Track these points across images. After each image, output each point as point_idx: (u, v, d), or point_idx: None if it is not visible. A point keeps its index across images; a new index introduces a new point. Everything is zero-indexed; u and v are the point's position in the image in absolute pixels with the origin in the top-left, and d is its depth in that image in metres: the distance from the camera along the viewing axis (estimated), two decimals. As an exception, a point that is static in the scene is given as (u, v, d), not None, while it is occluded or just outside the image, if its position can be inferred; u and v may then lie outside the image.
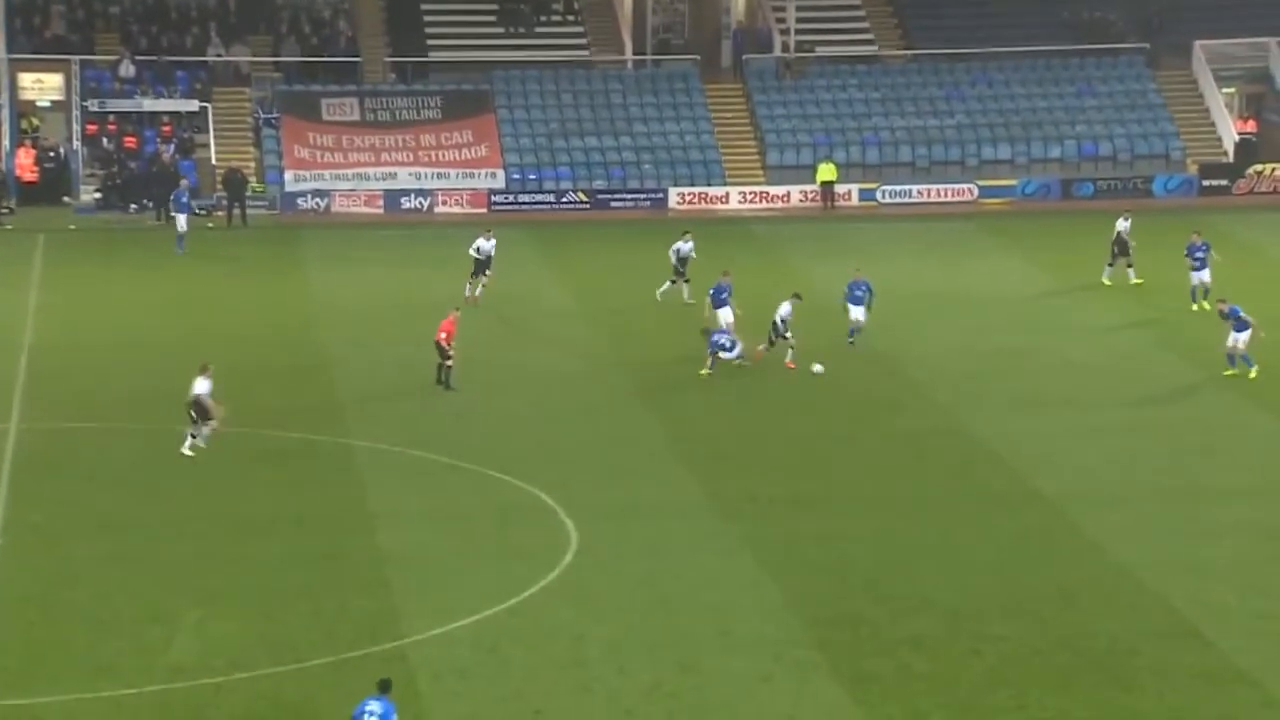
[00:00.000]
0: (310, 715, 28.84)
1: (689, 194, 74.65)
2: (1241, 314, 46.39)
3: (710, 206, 74.40)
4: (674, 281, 56.14)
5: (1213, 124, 78.24)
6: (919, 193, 74.96)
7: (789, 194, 75.10)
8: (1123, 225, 58.05)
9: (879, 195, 74.93)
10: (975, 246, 66.45)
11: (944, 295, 57.43)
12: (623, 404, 46.01)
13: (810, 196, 74.92)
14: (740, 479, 40.13)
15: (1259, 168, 75.37)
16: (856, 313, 49.86)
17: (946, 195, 74.89)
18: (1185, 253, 54.79)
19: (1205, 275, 54.16)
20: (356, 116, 74.95)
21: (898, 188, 75.03)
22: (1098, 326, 53.45)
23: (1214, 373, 47.69)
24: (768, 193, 75.23)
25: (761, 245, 67.19)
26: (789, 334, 47.59)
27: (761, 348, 47.81)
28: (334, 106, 75.21)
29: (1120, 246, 57.75)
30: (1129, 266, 57.28)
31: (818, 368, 46.91)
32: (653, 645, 31.52)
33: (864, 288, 50.05)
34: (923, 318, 54.34)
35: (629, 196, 74.61)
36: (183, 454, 40.56)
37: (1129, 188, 74.88)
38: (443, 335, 46.38)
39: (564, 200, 74.07)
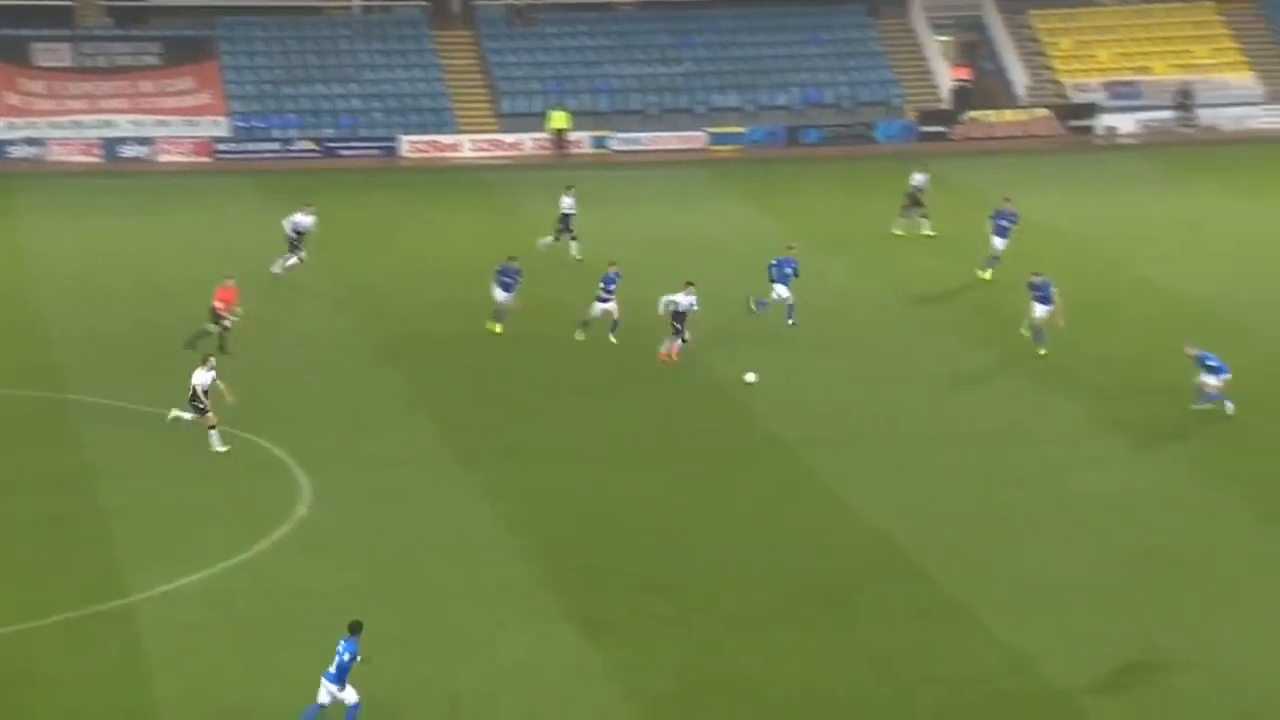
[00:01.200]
0: (36, 676, 27.89)
1: (420, 142, 73.81)
2: (1052, 290, 44.25)
3: (442, 155, 73.66)
4: (557, 237, 54.56)
5: (930, 72, 79.75)
6: (650, 140, 75.12)
7: (521, 142, 74.70)
8: (919, 179, 57.48)
9: (611, 143, 74.90)
10: (707, 193, 66.86)
11: (678, 242, 57.60)
12: (362, 359, 45.24)
13: (542, 144, 74.59)
14: (484, 431, 39.78)
15: (974, 114, 77.02)
16: (781, 290, 46.90)
17: (677, 142, 75.15)
18: (991, 216, 52.35)
19: (1000, 243, 51.61)
20: (70, 62, 72.54)
21: (629, 135, 75.10)
22: (829, 271, 54.08)
23: (951, 317, 48.51)
24: (500, 140, 74.72)
25: (495, 193, 66.72)
26: (685, 330, 43.97)
27: (675, 345, 44.01)
28: (46, 52, 72.70)
29: (912, 200, 57.09)
30: (923, 218, 56.98)
31: (750, 377, 42.32)
32: (389, 596, 31.11)
33: (792, 266, 47.26)
34: (658, 265, 54.38)
35: (359, 145, 73.51)
36: (167, 418, 38.25)
37: (853, 134, 76.01)
38: (219, 304, 44.80)
39: (292, 149, 72.67)
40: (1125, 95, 78.36)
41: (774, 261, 47.58)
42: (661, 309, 43.97)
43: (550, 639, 29.69)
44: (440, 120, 74.94)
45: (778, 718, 27.15)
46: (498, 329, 46.26)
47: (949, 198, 62.09)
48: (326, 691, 26.08)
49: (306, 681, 27.09)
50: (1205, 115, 77.19)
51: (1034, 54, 79.91)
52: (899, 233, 57.14)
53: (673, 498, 35.99)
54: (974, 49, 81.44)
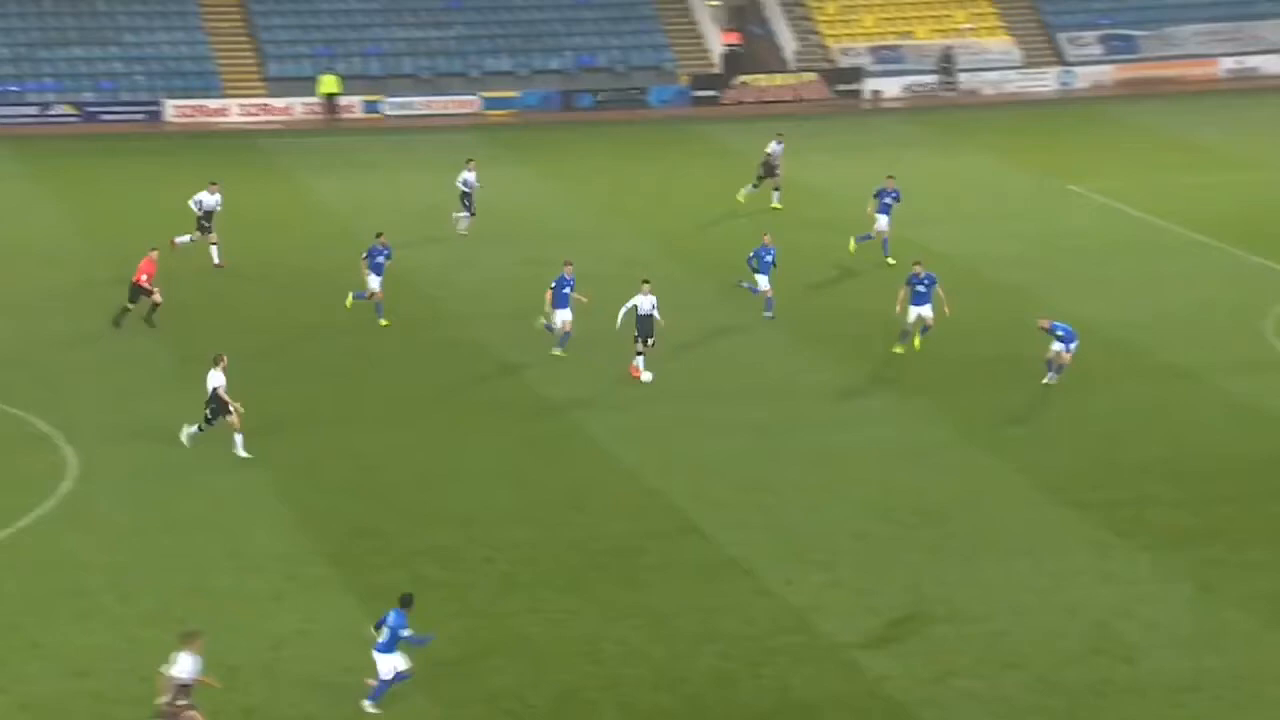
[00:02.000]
0: None
1: (186, 106, 72.25)
2: (936, 285, 41.56)
3: (209, 119, 72.22)
4: (461, 214, 53.05)
5: (701, 36, 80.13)
6: (423, 105, 74.42)
7: (291, 106, 73.51)
8: (774, 148, 56.57)
9: (382, 107, 74.07)
10: (481, 158, 66.33)
11: (452, 208, 57.18)
12: (133, 331, 44.11)
13: (313, 109, 73.51)
14: (251, 401, 39.04)
15: (744, 78, 77.59)
16: (762, 282, 44.94)
17: (451, 107, 74.56)
18: (874, 194, 50.42)
19: (884, 221, 49.85)
20: None
21: (401, 99, 74.33)
22: (600, 234, 54.11)
23: (719, 279, 48.79)
24: (269, 105, 73.46)
25: (265, 160, 65.59)
26: (653, 339, 40.47)
27: (639, 362, 40.36)
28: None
29: (767, 169, 56.25)
30: (775, 189, 56.16)
31: (647, 376, 40.00)
32: (159, 569, 30.50)
33: (770, 254, 45.18)
34: (432, 231, 53.96)
35: (121, 109, 71.70)
36: (180, 440, 35.65)
37: (626, 98, 76.08)
38: (143, 276, 43.43)
39: (50, 113, 70.65)
40: (890, 59, 79.54)
41: (753, 252, 45.24)
42: (621, 319, 40.44)
43: (327, 608, 29.33)
44: (206, 84, 73.45)
45: (558, 680, 27.15)
46: (384, 322, 43.90)
47: (720, 161, 62.47)
48: (388, 666, 25.88)
49: (69, 658, 26.43)
50: (966, 79, 78.65)
51: (801, 19, 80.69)
52: (741, 199, 56.15)
53: (444, 462, 35.76)
54: (743, 14, 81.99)
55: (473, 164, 53.50)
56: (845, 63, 79.10)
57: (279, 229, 54.30)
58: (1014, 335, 42.73)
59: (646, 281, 40.90)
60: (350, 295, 44.51)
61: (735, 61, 79.00)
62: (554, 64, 77.19)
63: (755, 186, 56.06)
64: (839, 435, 37.10)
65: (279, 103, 73.49)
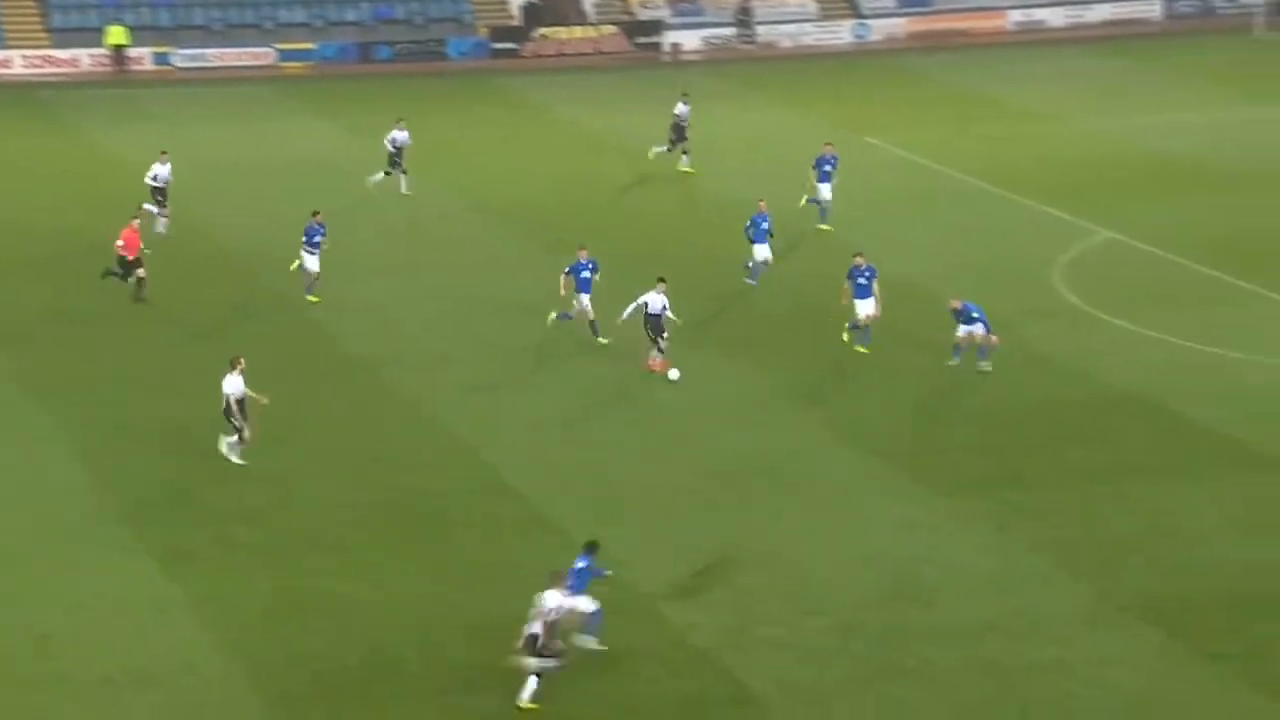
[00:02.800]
0: None
1: (-31, 58, 70.42)
2: (871, 283, 39.28)
3: (-9, 72, 70.47)
4: (388, 172, 51.89)
5: (501, -12, 79.96)
6: (216, 56, 73.30)
7: (78, 58, 71.95)
8: (681, 109, 55.48)
9: (173, 59, 72.81)
10: (277, 111, 65.68)
11: (249, 162, 56.52)
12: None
13: (100, 60, 72.01)
14: (57, 363, 38.44)
15: (544, 31, 77.52)
16: (761, 251, 43.79)
17: (244, 59, 73.53)
18: (813, 165, 49.56)
19: (826, 190, 49.10)
20: None
21: (193, 51, 73.11)
22: (399, 189, 53.83)
23: (526, 232, 48.81)
24: (53, 56, 71.81)
25: (50, 113, 64.18)
26: (666, 334, 38.24)
27: (657, 358, 38.22)
28: None
29: (677, 131, 55.12)
30: (684, 153, 55.26)
31: (674, 373, 37.36)
32: (-43, 536, 29.94)
33: (767, 221, 43.99)
34: (229, 186, 53.30)
35: (-102, 61, 69.72)
36: (228, 459, 33.10)
37: (425, 51, 75.64)
38: (120, 244, 41.84)
39: None
40: (689, 12, 79.97)
41: (749, 221, 44.00)
42: (628, 314, 38.30)
43: (130, 572, 29.06)
44: (-12, 35, 71.59)
45: (369, 638, 27.21)
46: (314, 299, 42.60)
47: (522, 115, 62.45)
48: (587, 605, 26.09)
49: None
50: (764, 32, 79.37)
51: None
52: (650, 156, 55.30)
53: (254, 423, 35.41)
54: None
55: (402, 123, 52.44)
56: (645, 16, 79.39)
57: (60, 184, 53.20)
58: (820, 289, 43.42)
59: (662, 280, 38.22)
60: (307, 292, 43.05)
61: (535, 14, 78.84)
62: (350, 16, 76.46)
63: (669, 149, 55.17)
64: (651, 392, 37.42)
65: (64, 54, 71.92)
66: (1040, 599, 28.44)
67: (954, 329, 38.17)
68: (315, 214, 43.23)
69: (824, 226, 48.92)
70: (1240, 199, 51.92)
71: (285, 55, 74.02)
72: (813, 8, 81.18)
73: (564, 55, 76.67)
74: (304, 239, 42.82)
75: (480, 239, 48.90)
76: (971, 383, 37.60)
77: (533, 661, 25.28)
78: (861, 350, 39.12)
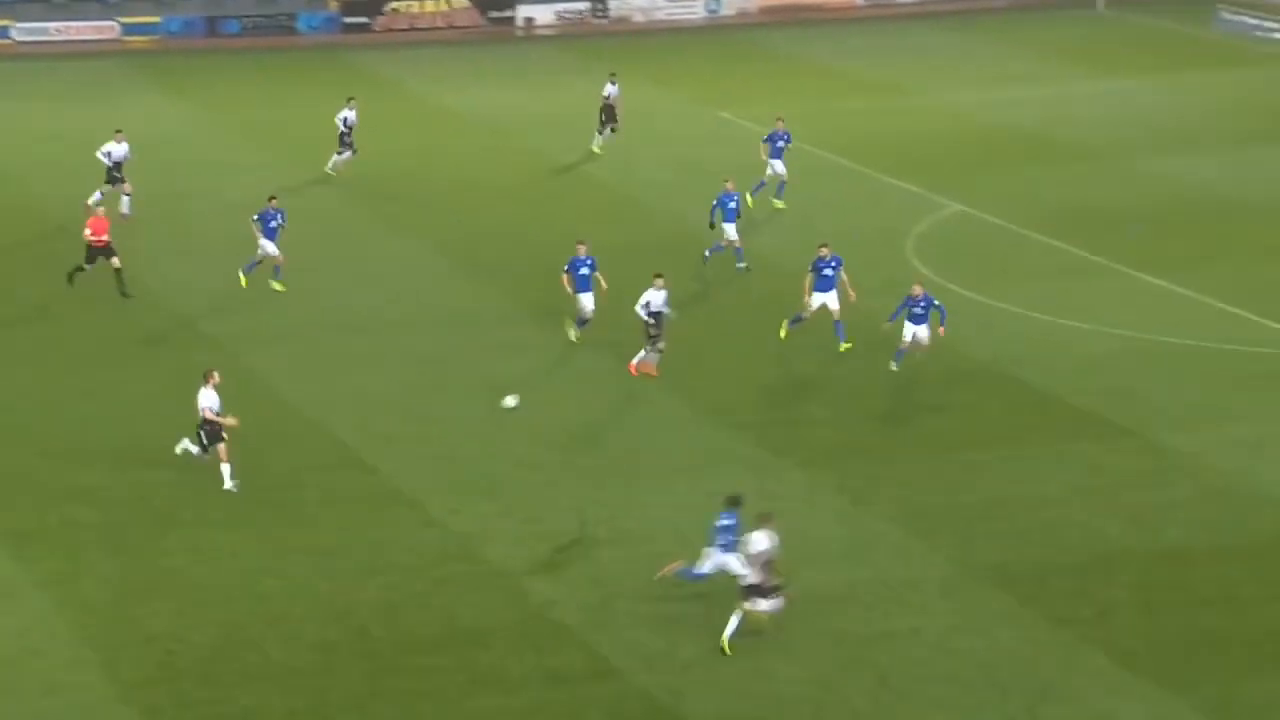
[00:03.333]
0: None
1: None
2: (841, 269, 37.93)
3: None
4: (340, 153, 50.64)
5: (352, -38, 79.05)
6: (57, 30, 71.78)
7: (-87, 32, 70.23)
8: (610, 89, 54.35)
9: (13, 33, 71.21)
10: (122, 86, 64.49)
11: (92, 138, 55.41)
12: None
13: (-61, 35, 70.37)
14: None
15: (395, 5, 76.79)
16: (730, 231, 42.74)
17: (87, 33, 72.09)
18: (764, 139, 48.65)
19: (779, 166, 48.26)
20: None
21: (33, 25, 71.54)
22: (250, 165, 53.14)
23: (387, 214, 48.36)
24: (-109, 31, 70.09)
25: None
26: (662, 337, 36.60)
27: (652, 359, 36.64)
28: None
29: (608, 112, 53.89)
30: (612, 131, 53.93)
31: (510, 401, 32.45)
32: None
33: (734, 200, 42.97)
34: (70, 161, 52.25)
35: None
36: (228, 490, 31.00)
37: (274, 25, 74.63)
38: (89, 231, 40.01)
39: None
40: (542, -14, 79.60)
41: (715, 201, 43.02)
42: (642, 313, 36.50)
43: (-26, 555, 28.40)
44: None
45: (220, 619, 26.82)
46: (279, 286, 41.40)
47: (374, 90, 61.84)
48: (735, 565, 26.34)
49: None
50: (617, 6, 79.19)
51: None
52: (596, 150, 54.19)
53: (96, 403, 34.83)
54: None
55: (354, 102, 51.45)
56: (497, -11, 78.88)
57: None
58: (673, 261, 43.40)
59: (660, 275, 36.79)
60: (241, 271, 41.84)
61: (386, -12, 78.01)
62: (196, -11, 75.27)
63: (601, 133, 54.23)
64: (503, 364, 37.24)
65: (-98, 29, 70.16)
66: (896, 568, 28.66)
67: (899, 323, 36.17)
68: (271, 199, 42.09)
69: (778, 203, 48.48)
70: (1084, 171, 52.71)
71: (129, 29, 72.68)
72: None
73: (416, 30, 75.99)
74: (259, 223, 41.35)
75: (327, 214, 48.38)
76: (828, 356, 37.77)
77: (763, 603, 25.97)
78: (845, 346, 37.33)
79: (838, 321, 37.83)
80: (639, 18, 79.48)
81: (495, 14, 77.74)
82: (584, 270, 38.03)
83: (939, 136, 56.99)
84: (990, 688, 25.24)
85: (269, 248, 41.51)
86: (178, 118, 59.50)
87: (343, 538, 29.50)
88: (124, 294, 40.22)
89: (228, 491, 30.91)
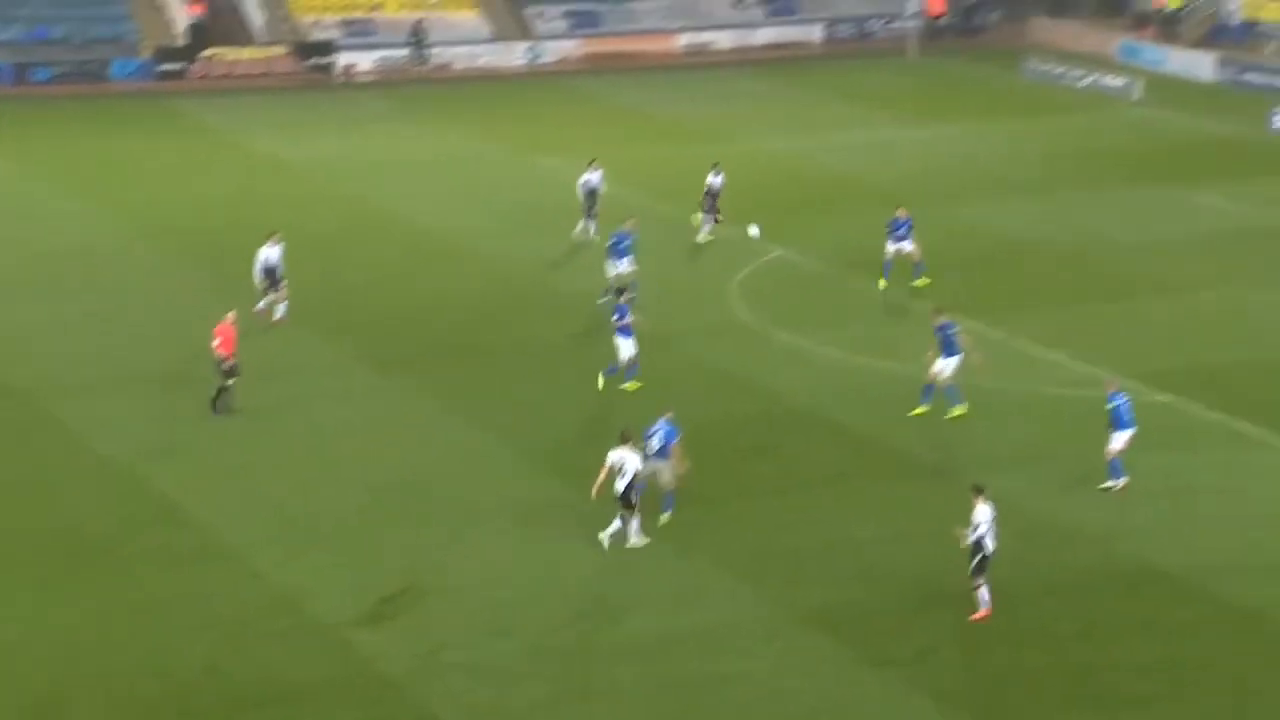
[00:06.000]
0: None
1: None
2: (954, 334, 36.92)
3: None
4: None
5: (163, 7, 78.14)
6: None
7: None
8: (590, 177, 50.18)
9: None
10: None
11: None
12: None
13: None
14: None
15: (211, 52, 76.07)
16: (621, 266, 43.05)
17: (-109, 80, 70.50)
18: (888, 225, 45.91)
19: (909, 246, 45.54)
20: None
21: None
22: (69, 214, 52.26)
23: (197, 256, 47.76)
24: None
25: None
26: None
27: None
28: None
29: (590, 199, 49.82)
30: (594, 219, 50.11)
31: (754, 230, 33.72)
32: None
33: (629, 239, 43.38)
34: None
35: None
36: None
37: (86, 72, 73.55)
38: (221, 348, 36.50)
39: None
40: (361, 33, 79.38)
41: (612, 239, 43.64)
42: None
43: None
44: None
45: (37, 681, 26.24)
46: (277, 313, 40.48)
47: (188, 138, 61.19)
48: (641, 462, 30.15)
49: None
50: (438, 53, 79.20)
51: (268, -10, 79.72)
52: (582, 237, 51.05)
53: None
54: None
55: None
56: (316, 36, 78.55)
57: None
58: (496, 308, 43.43)
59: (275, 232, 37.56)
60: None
61: (201, 34, 77.32)
62: (5, 35, 73.96)
63: (586, 224, 50.01)
64: (326, 413, 36.90)
65: None
66: (723, 612, 28.83)
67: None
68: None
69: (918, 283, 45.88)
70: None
71: (-83, 77, 71.16)
72: (485, 29, 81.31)
73: (233, 76, 75.31)
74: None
75: (141, 263, 47.77)
76: (648, 399, 37.91)
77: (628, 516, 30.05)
78: (633, 386, 37.71)
79: (627, 368, 38.08)
80: (460, 64, 79.53)
81: (314, 61, 77.32)
82: (625, 320, 38.11)
83: (759, 181, 57.64)
84: (817, 730, 25.48)
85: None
86: (-11, 166, 58.44)
87: (165, 592, 29.03)
88: (216, 409, 37.15)
89: (43, 548, 30.28)
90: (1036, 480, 33.92)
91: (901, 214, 46.40)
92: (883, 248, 45.88)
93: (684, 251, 49.90)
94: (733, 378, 39.46)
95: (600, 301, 43.14)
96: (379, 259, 48.62)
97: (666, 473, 31.47)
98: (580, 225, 49.37)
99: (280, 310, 42.13)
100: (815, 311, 44.38)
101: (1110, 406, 33.57)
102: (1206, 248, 50.18)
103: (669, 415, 31.62)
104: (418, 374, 39.37)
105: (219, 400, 36.55)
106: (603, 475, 30.34)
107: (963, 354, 36.91)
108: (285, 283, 42.48)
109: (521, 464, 34.66)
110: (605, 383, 38.28)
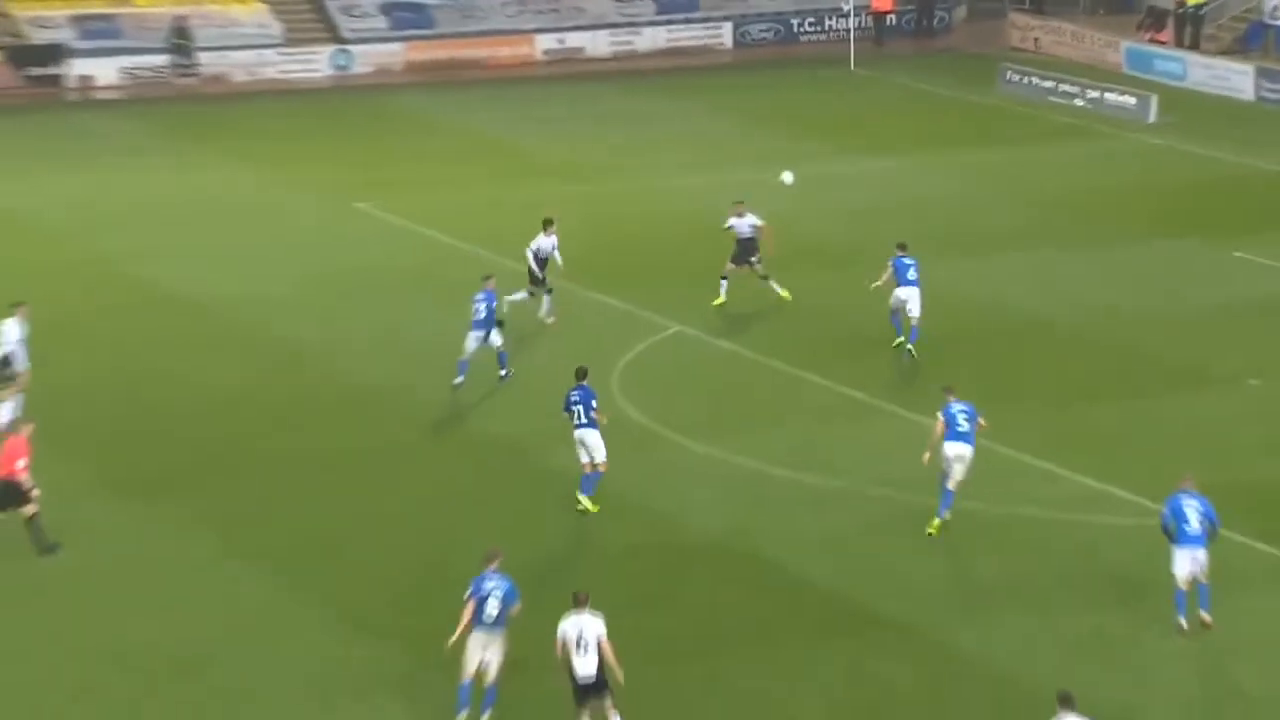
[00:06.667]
0: None
1: None
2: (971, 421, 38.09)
3: None
4: None
5: None
6: None
7: None
8: (543, 242, 50.13)
9: None
10: None
11: None
12: None
13: None
14: None
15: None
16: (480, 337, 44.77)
17: None
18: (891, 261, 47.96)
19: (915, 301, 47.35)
20: None
21: None
22: None
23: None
24: None
25: None
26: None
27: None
28: None
29: (540, 265, 49.86)
30: (549, 291, 50.14)
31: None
32: None
33: (491, 299, 45.09)
34: None
35: None
36: None
37: None
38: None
39: None
40: (102, 34, 79.20)
41: (476, 302, 44.97)
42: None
43: None
44: None
45: None
46: None
47: None
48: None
49: None
50: (210, 61, 79.09)
51: (-22, -21, 79.54)
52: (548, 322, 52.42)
53: None
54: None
55: None
56: (39, 38, 78.26)
57: None
58: (288, 408, 43.29)
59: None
60: None
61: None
62: None
63: (535, 290, 50.44)
64: (51, 559, 36.35)
65: None
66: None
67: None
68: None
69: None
70: (831, 281, 53.36)
71: None
72: (277, 29, 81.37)
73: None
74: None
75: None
76: (506, 526, 37.85)
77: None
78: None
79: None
80: (241, 75, 79.55)
81: (37, 70, 76.95)
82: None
83: (645, 235, 57.82)
84: None
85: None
86: None
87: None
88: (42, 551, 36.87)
89: None
90: (1004, 631, 33.96)
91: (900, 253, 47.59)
92: (820, 320, 46.12)
93: (542, 330, 49.55)
94: (620, 498, 39.40)
95: (455, 382, 43.69)
96: (134, 342, 48.30)
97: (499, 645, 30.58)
98: (521, 295, 49.11)
99: (7, 409, 41.25)
100: (726, 409, 44.45)
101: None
102: (1247, 321, 50.71)
103: (495, 565, 30.89)
104: (188, 500, 39.02)
105: (37, 537, 36.24)
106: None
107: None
108: (27, 369, 42.27)
109: (332, 625, 34.35)
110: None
